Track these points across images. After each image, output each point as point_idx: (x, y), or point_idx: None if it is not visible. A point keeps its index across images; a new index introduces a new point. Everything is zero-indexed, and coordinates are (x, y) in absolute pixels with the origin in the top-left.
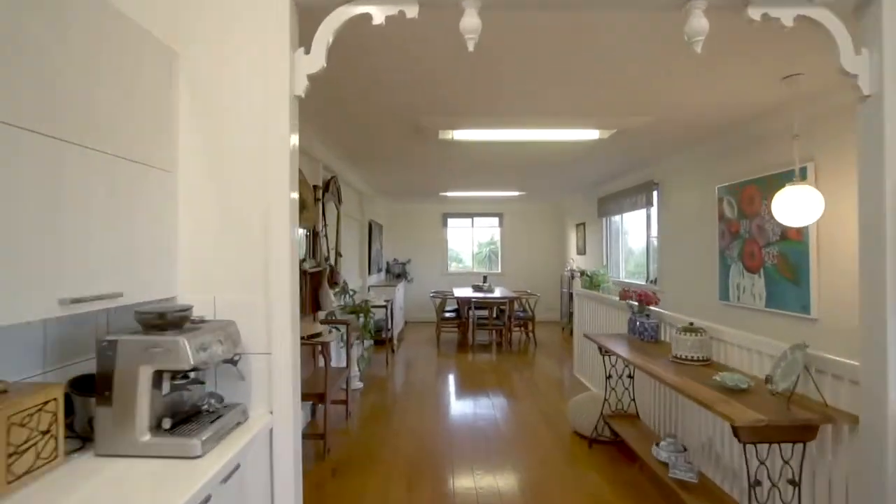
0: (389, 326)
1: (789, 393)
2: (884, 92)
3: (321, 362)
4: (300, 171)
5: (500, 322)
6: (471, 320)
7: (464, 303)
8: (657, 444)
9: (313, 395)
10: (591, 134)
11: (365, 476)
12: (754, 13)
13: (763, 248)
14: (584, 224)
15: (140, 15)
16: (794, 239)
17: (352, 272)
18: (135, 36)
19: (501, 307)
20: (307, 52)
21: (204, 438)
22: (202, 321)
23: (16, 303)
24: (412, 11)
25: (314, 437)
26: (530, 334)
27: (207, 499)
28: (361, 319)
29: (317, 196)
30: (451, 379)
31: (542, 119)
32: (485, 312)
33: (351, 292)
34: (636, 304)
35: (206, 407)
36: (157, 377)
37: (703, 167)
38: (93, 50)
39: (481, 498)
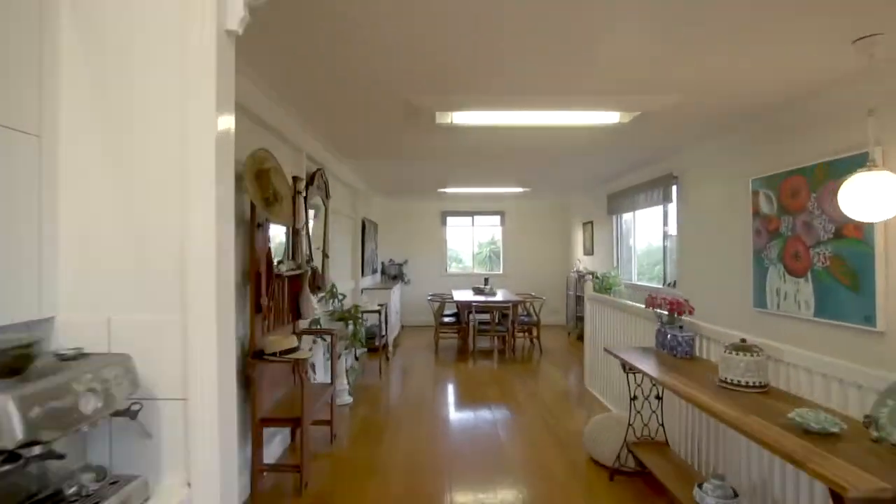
0: (384, 332)
1: None
2: None
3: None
4: (270, 155)
5: (503, 328)
6: (471, 325)
7: (464, 307)
8: (700, 487)
9: (288, 419)
10: (610, 117)
11: None
12: None
13: (811, 248)
14: (591, 222)
15: None
16: (852, 237)
17: (343, 274)
18: None
19: (504, 311)
20: None
21: None
22: (78, 356)
23: None
24: None
25: (289, 469)
26: (535, 340)
27: None
28: (351, 327)
29: (297, 189)
30: (450, 391)
31: (553, 99)
32: (486, 316)
33: (340, 297)
34: (665, 313)
35: (73, 490)
36: None
37: (733, 157)
38: None
39: None
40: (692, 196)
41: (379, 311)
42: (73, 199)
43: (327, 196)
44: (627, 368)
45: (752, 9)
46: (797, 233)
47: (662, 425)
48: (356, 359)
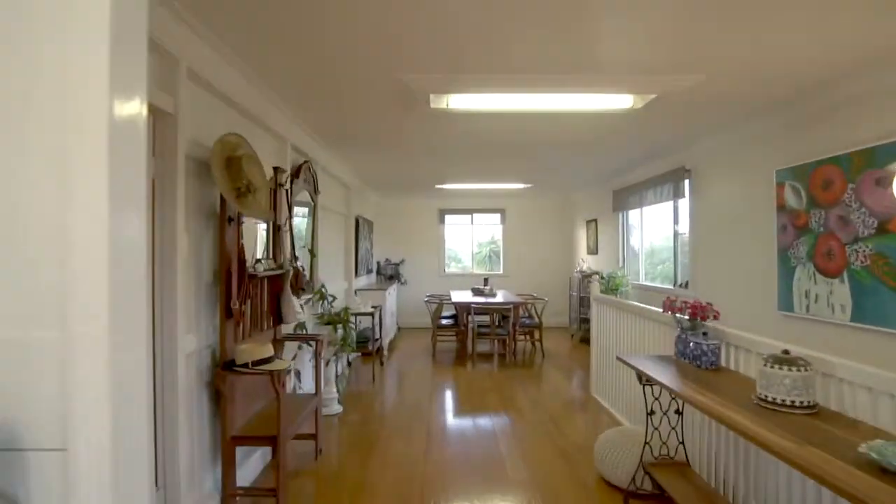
0: (378, 336)
1: None
2: None
3: (290, 388)
4: (243, 141)
5: (504, 331)
6: (470, 328)
7: (462, 309)
8: None
9: (263, 437)
10: (622, 102)
11: None
12: None
13: (847, 245)
14: (595, 220)
15: None
16: None
17: (335, 275)
18: None
19: (504, 314)
20: None
21: None
22: None
23: None
24: None
25: (265, 493)
26: (537, 343)
27: None
28: (340, 331)
29: (279, 181)
30: (447, 398)
31: (560, 79)
32: (486, 318)
33: (330, 298)
34: (686, 318)
35: None
36: None
37: (755, 147)
38: None
39: None
40: (707, 190)
41: (372, 314)
42: None
43: (316, 191)
44: (644, 380)
45: None
46: (830, 228)
47: (683, 443)
48: (348, 364)
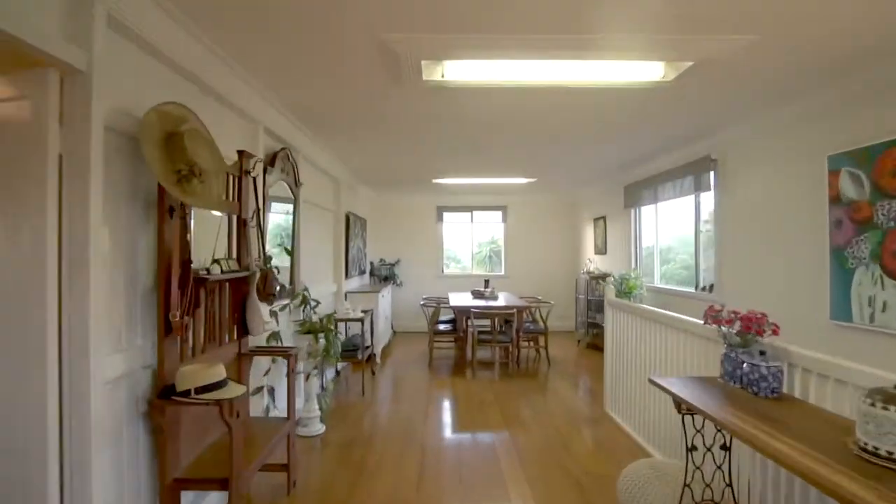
0: (369, 343)
1: None
2: None
3: (263, 409)
4: (190, 114)
5: (506, 337)
6: (470, 333)
7: (461, 313)
8: None
9: (212, 480)
10: (651, 71)
11: None
12: None
13: None
14: (604, 218)
15: None
16: None
17: (323, 276)
18: None
19: (507, 318)
20: None
21: None
22: None
23: None
24: None
25: None
26: (541, 350)
27: None
28: (322, 341)
29: (245, 168)
30: (444, 414)
31: (579, 41)
32: (486, 322)
33: (313, 303)
34: (733, 332)
35: None
36: None
37: (800, 128)
38: None
39: None
40: (736, 182)
41: (362, 319)
42: None
43: (297, 183)
44: (684, 409)
45: None
46: None
47: (730, 485)
48: (337, 373)
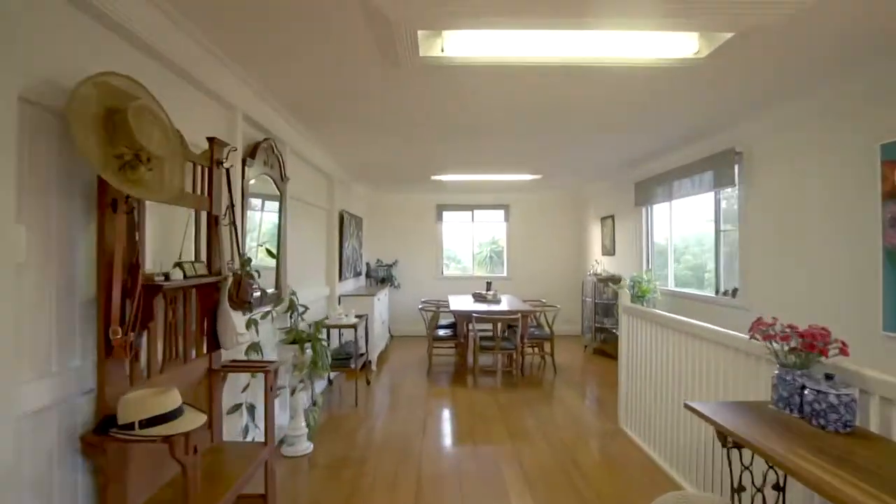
0: (364, 350)
1: None
2: None
3: (240, 430)
4: (137, 88)
5: (510, 343)
6: (471, 339)
7: (462, 317)
8: None
9: None
10: (683, 45)
11: None
12: None
13: None
14: (612, 217)
15: None
16: None
17: (314, 279)
18: None
19: (511, 324)
20: None
21: None
22: None
23: None
24: None
25: None
26: (546, 357)
27: None
28: (309, 352)
29: (217, 157)
30: (443, 429)
31: (602, 4)
32: (488, 326)
33: (301, 309)
34: (786, 350)
35: None
36: None
37: (843, 115)
38: None
39: None
40: (765, 177)
41: (355, 326)
42: None
43: (283, 178)
44: (730, 443)
45: None
46: None
47: None
48: (329, 382)
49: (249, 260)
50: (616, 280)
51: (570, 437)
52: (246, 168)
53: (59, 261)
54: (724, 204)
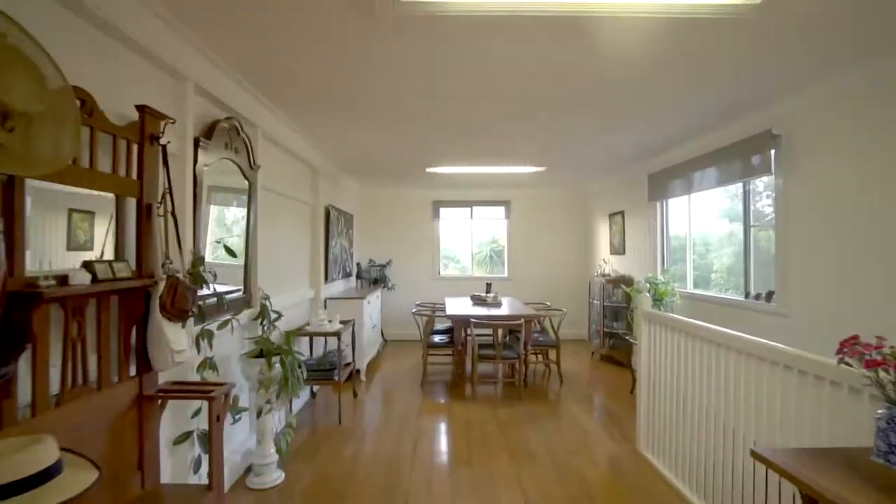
0: (350, 359)
1: None
2: None
3: (190, 461)
4: (10, 23)
5: (513, 352)
6: (469, 346)
7: (460, 323)
8: None
9: None
10: None
11: None
12: None
13: None
14: (622, 213)
15: None
16: None
17: (296, 280)
18: None
19: (514, 329)
20: None
21: None
22: None
23: None
24: None
25: None
26: (551, 366)
27: None
28: (278, 367)
29: (151, 131)
30: (438, 451)
31: None
32: (488, 331)
33: (273, 315)
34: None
35: None
36: None
37: None
38: None
39: None
40: (811, 163)
41: (338, 333)
42: None
43: (251, 165)
44: None
45: None
46: None
47: None
48: (313, 395)
49: (202, 259)
50: (627, 281)
51: (581, 462)
52: (200, 150)
53: None
54: (753, 195)
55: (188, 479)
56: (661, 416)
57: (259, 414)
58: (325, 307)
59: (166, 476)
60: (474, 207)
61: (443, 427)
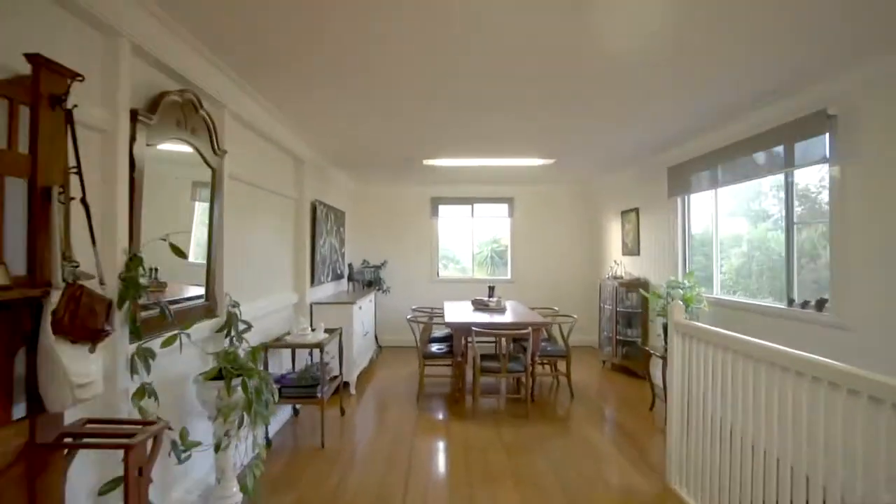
0: (336, 372)
1: None
2: None
3: None
4: None
5: (519, 364)
6: (471, 357)
7: (460, 331)
8: None
9: None
10: None
11: None
12: None
13: None
14: (636, 210)
15: None
16: None
17: (275, 284)
18: None
19: (519, 338)
20: None
21: None
22: None
23: None
24: None
25: None
26: (560, 378)
27: None
28: (240, 392)
29: (49, 90)
30: (433, 482)
31: None
32: (492, 339)
33: (242, 327)
34: None
35: None
36: None
37: None
38: None
39: None
40: (877, 148)
41: (321, 344)
42: None
43: (216, 150)
44: None
45: None
46: None
47: None
48: (295, 412)
49: (140, 260)
50: (643, 284)
51: (601, 498)
52: (140, 125)
53: None
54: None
55: None
56: (699, 446)
57: (218, 448)
58: (312, 312)
59: None
60: (475, 205)
61: (440, 451)
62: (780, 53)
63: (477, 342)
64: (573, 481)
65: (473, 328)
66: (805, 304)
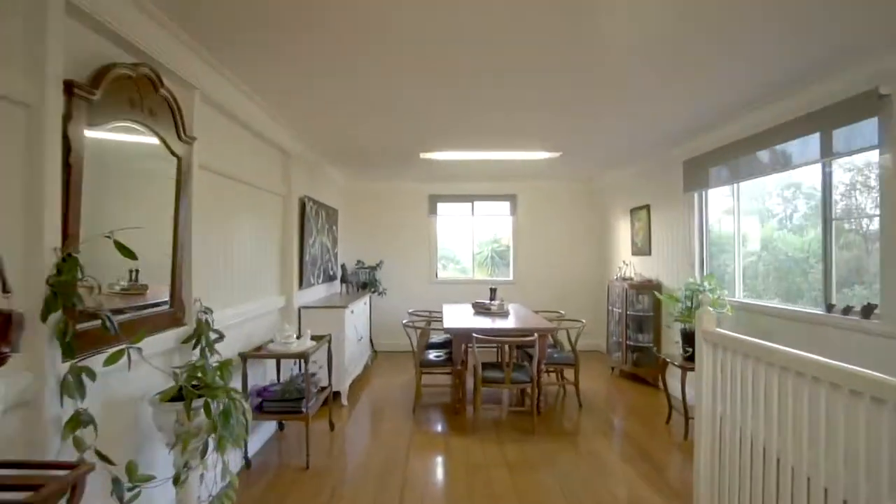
0: (325, 383)
1: None
2: None
3: None
4: None
5: (524, 375)
6: (471, 364)
7: (460, 338)
8: None
9: None
10: None
11: None
12: None
13: None
14: (647, 207)
15: None
16: None
17: (259, 286)
18: None
19: (525, 346)
20: None
21: None
22: None
23: None
24: None
25: None
26: (566, 386)
27: None
28: (202, 415)
29: None
30: None
31: None
32: (494, 347)
33: (214, 336)
34: None
35: None
36: None
37: None
38: None
39: None
40: None
41: (305, 354)
42: None
43: (180, 135)
44: None
45: None
46: None
47: None
48: (280, 427)
49: (76, 262)
50: (655, 286)
51: None
52: (77, 102)
53: None
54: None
55: None
56: (733, 473)
57: (177, 481)
58: (300, 318)
59: None
60: (476, 202)
61: (438, 468)
62: (822, 26)
63: (478, 348)
64: (585, 503)
65: (475, 335)
66: (847, 310)
